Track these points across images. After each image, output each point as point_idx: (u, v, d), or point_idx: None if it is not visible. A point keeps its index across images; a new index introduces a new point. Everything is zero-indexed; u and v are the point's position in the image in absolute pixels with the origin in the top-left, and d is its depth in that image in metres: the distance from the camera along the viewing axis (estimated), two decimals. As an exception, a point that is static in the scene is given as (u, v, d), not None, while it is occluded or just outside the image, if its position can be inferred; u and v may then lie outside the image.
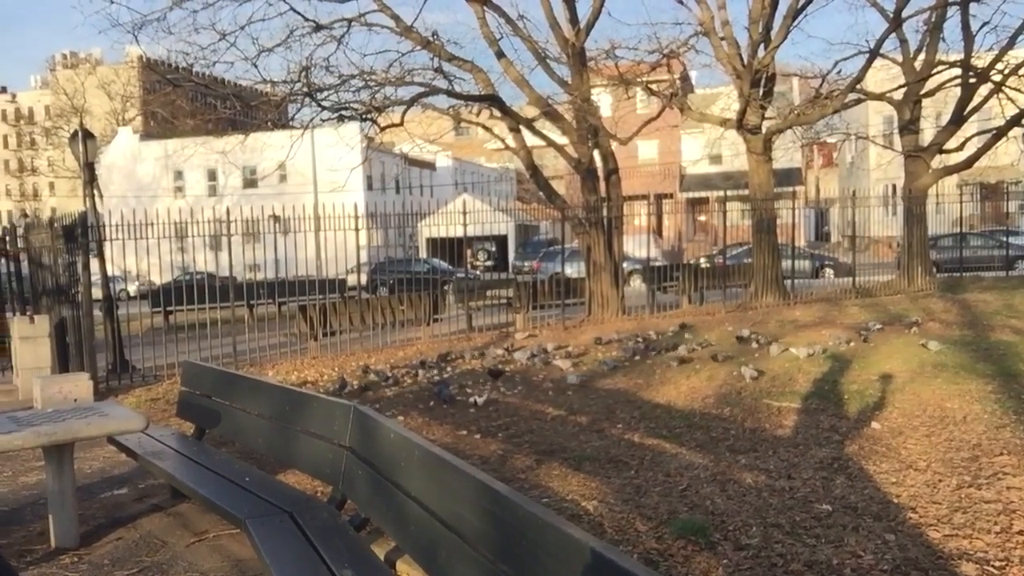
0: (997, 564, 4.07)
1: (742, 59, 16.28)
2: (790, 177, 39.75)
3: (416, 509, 3.58)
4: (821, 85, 18.07)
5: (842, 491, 5.21)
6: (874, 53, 16.49)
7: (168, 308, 16.17)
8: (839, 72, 17.95)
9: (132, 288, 24.13)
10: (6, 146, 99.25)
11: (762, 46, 16.34)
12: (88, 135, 12.25)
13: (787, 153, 31.40)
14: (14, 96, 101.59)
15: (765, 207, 16.83)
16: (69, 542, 4.96)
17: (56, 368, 10.54)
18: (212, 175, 45.81)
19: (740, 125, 16.52)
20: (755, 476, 5.61)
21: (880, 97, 18.96)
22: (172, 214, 12.46)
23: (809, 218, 46.35)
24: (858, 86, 17.20)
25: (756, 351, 10.38)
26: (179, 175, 46.52)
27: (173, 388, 10.15)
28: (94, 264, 11.41)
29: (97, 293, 11.72)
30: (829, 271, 24.72)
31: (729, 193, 21.79)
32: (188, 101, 50.17)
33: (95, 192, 12.08)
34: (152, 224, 11.71)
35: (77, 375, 9.57)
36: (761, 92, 16.55)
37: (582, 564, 2.47)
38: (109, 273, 12.26)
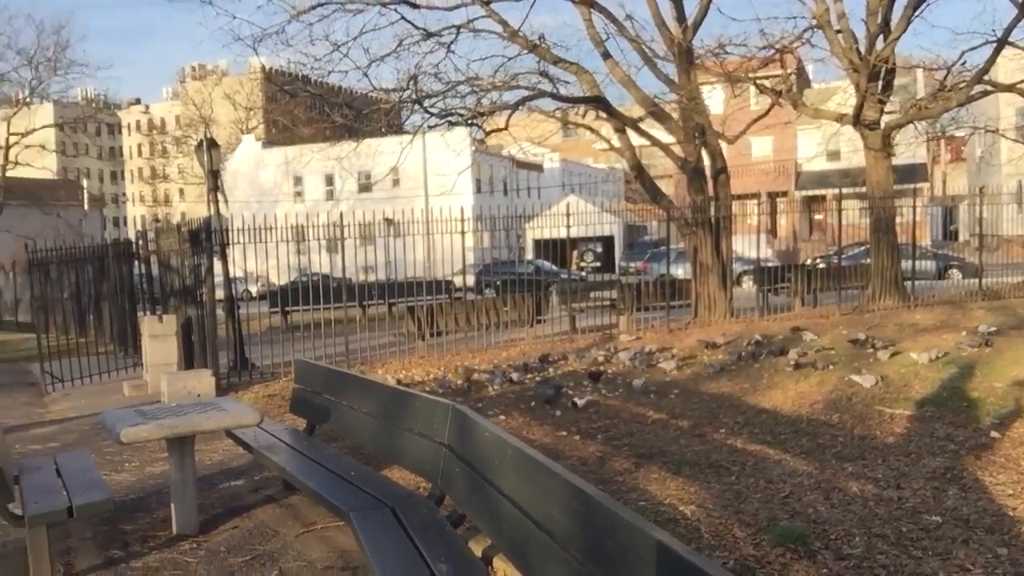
0: (1124, 585, 3.83)
1: (859, 52, 15.69)
2: (914, 173, 37.96)
3: (509, 508, 3.65)
4: (946, 77, 17.21)
5: (954, 502, 4.99)
6: (1002, 42, 15.57)
7: (286, 308, 16.86)
8: (964, 63, 17.04)
9: (254, 289, 25.26)
10: (140, 154, 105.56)
11: (881, 38, 15.70)
12: (212, 144, 12.93)
13: (910, 148, 30.00)
14: (147, 107, 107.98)
15: (884, 205, 16.18)
16: (189, 529, 5.28)
17: (182, 364, 11.17)
18: (329, 180, 47.42)
19: (857, 120, 15.95)
20: (861, 485, 5.44)
21: (1010, 89, 17.86)
22: (291, 218, 13.01)
23: (935, 216, 44.11)
24: (985, 77, 16.30)
25: (870, 355, 10.01)
26: (298, 180, 48.38)
27: (289, 385, 10.58)
28: (218, 266, 12.04)
29: (220, 294, 12.37)
30: (955, 272, 23.49)
31: (847, 191, 21.01)
32: (305, 110, 52.12)
33: (219, 198, 12.73)
34: (272, 228, 12.26)
35: (200, 372, 10.15)
36: (880, 86, 15.91)
37: (668, 569, 2.48)
38: (232, 274, 12.89)
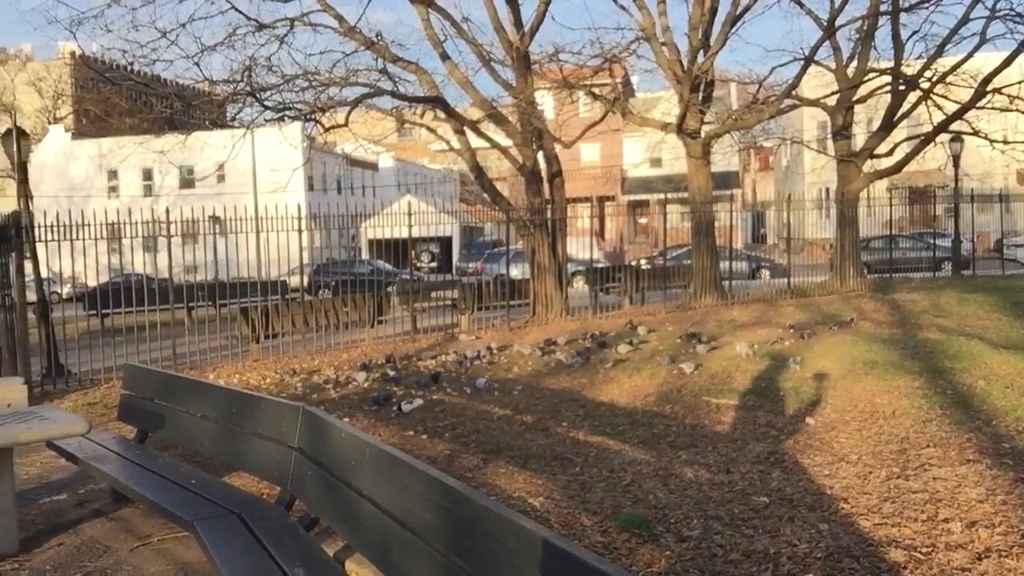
0: (924, 550, 4.28)
1: (682, 64, 16.60)
2: (728, 180, 40.54)
3: (368, 507, 3.62)
4: (758, 91, 18.51)
5: (778, 484, 5.40)
6: (809, 60, 16.96)
7: (104, 311, 15.81)
8: (775, 78, 18.45)
9: (65, 290, 23.48)
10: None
11: (701, 52, 16.70)
12: (21, 133, 11.94)
13: (725, 157, 32.06)
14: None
15: (704, 210, 17.19)
16: (8, 548, 4.87)
17: (-12, 373, 10.24)
18: (148, 175, 44.77)
19: (680, 129, 16.86)
20: (695, 471, 5.78)
21: (814, 103, 19.51)
22: (107, 215, 12.18)
23: (746, 221, 47.28)
24: (793, 92, 17.70)
25: (696, 350, 10.61)
26: (113, 175, 45.33)
27: (111, 392, 9.97)
28: (27, 266, 11.11)
29: (30, 296, 11.40)
30: (766, 272, 25.29)
31: (669, 196, 22.20)
32: (125, 99, 48.93)
33: (27, 191, 11.75)
34: (87, 225, 11.45)
35: (10, 380, 9.30)
36: (700, 97, 16.90)
37: (535, 554, 2.55)
38: (42, 275, 11.94)
